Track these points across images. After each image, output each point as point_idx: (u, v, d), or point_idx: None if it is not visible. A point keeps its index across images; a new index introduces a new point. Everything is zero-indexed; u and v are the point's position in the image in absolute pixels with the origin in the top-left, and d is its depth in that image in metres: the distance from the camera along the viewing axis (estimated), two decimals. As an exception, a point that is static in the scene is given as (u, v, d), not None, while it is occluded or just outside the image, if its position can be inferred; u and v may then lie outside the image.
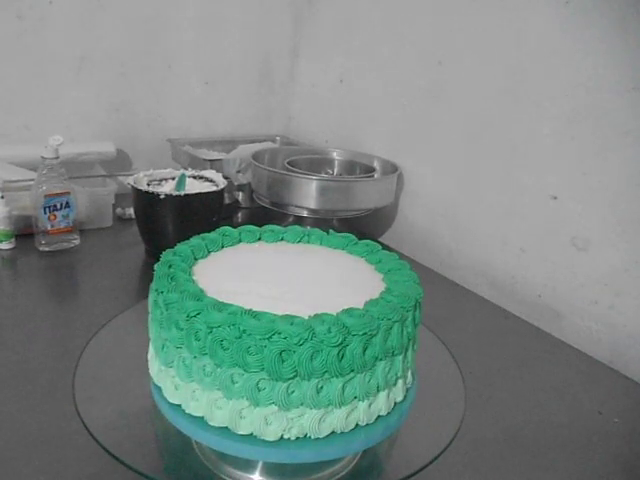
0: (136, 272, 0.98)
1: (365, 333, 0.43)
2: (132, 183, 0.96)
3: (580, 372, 0.77)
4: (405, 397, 0.51)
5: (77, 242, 1.02)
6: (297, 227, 0.63)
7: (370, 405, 0.46)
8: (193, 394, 0.46)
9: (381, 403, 0.47)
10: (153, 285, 0.50)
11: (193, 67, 1.35)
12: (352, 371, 0.44)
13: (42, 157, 0.95)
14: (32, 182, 0.98)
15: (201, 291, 0.47)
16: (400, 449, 0.56)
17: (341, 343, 0.42)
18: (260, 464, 0.51)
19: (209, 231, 0.59)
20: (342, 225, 1.14)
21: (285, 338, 0.42)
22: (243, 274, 0.53)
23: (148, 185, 0.99)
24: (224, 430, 0.45)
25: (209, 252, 0.57)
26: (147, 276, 0.52)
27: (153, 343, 0.51)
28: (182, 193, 0.94)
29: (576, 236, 0.86)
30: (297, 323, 0.43)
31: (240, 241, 0.60)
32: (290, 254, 0.59)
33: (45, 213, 0.97)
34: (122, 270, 0.98)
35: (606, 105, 0.79)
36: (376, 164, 1.19)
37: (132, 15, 1.24)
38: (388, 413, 0.48)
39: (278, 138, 1.46)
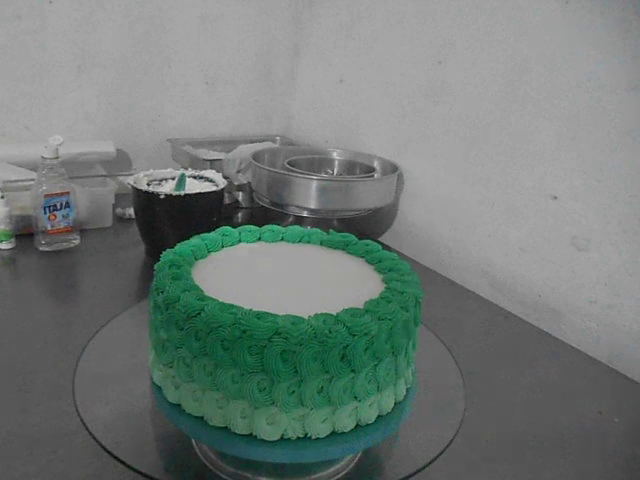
0: (136, 272, 0.98)
1: (365, 333, 0.43)
2: (132, 183, 0.96)
3: (580, 372, 0.77)
4: (405, 397, 0.51)
5: (77, 242, 1.02)
6: (297, 227, 0.63)
7: (370, 405, 0.47)
8: (193, 394, 0.46)
9: (381, 403, 0.47)
10: (153, 285, 0.50)
11: (193, 67, 1.35)
12: (352, 371, 0.44)
13: (42, 157, 0.95)
14: (32, 182, 0.98)
15: (201, 291, 0.47)
16: (400, 449, 0.56)
17: (341, 343, 0.43)
18: (260, 464, 0.51)
19: (209, 231, 0.59)
20: (342, 225, 1.14)
21: (286, 338, 0.42)
22: (243, 274, 0.53)
23: (148, 185, 0.99)
24: (224, 430, 0.45)
25: (209, 252, 0.57)
26: (147, 276, 0.52)
27: (153, 343, 0.51)
28: (182, 193, 0.94)
29: (576, 236, 0.86)
30: (297, 323, 0.43)
31: (240, 241, 0.60)
32: (290, 254, 0.59)
33: (45, 213, 0.97)
34: (122, 270, 0.98)
35: (606, 105, 0.79)
36: (376, 164, 1.19)
37: (132, 15, 1.24)
38: (388, 413, 0.49)
39: (278, 138, 1.46)
